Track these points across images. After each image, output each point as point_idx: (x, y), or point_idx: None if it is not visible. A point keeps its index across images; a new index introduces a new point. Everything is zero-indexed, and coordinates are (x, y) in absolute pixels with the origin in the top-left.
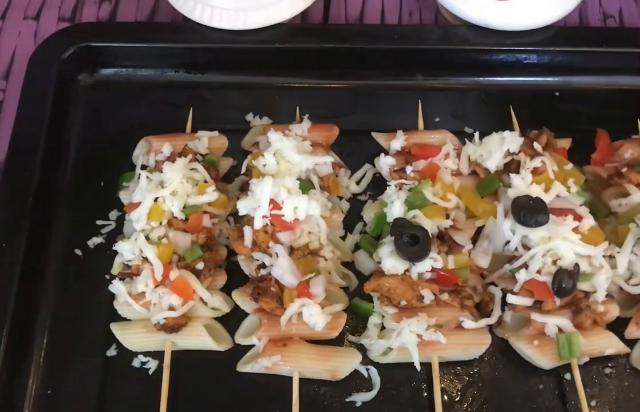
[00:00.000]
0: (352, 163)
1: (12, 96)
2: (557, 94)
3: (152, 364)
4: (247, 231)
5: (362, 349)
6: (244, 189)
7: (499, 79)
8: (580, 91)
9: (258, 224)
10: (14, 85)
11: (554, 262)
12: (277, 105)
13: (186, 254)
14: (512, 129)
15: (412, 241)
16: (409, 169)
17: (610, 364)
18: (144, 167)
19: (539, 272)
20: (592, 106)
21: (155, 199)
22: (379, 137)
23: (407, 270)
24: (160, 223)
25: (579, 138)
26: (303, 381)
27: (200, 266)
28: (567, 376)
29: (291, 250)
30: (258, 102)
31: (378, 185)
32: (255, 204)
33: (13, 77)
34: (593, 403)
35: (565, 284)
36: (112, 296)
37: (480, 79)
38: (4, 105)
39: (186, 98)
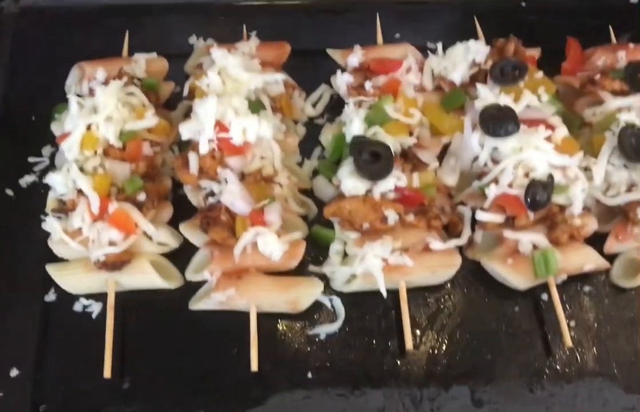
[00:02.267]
0: (306, 84)
1: None
2: (523, 4)
3: (96, 307)
4: (192, 157)
5: (324, 279)
6: (189, 115)
7: None
8: (547, 1)
9: (204, 148)
10: None
11: (526, 175)
12: (222, 26)
13: (125, 185)
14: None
15: (372, 158)
16: (368, 85)
17: (589, 282)
18: (77, 97)
19: (510, 185)
20: (560, 16)
21: (89, 127)
22: (335, 54)
23: (369, 191)
24: (95, 152)
25: (548, 50)
26: (261, 316)
27: (142, 197)
28: (544, 297)
29: (242, 177)
30: (202, 24)
31: (336, 107)
32: (199, 127)
33: None
34: (572, 323)
35: (539, 196)
36: (48, 237)
37: None
38: None
39: (123, 24)
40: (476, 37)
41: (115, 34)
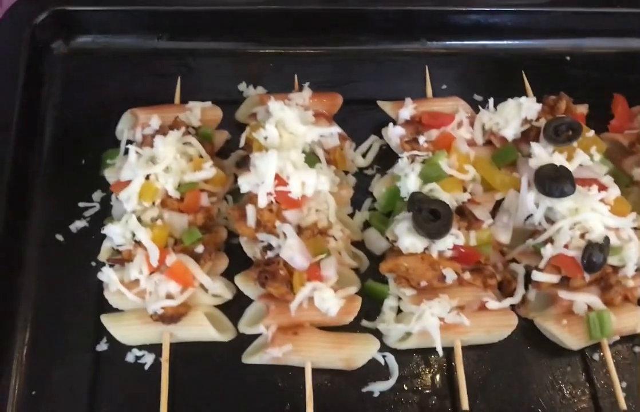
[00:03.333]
0: (355, 135)
1: None
2: (567, 58)
3: (148, 358)
4: (250, 210)
5: (376, 334)
6: (242, 165)
7: (506, 42)
8: (591, 55)
9: (262, 202)
10: None
11: (582, 236)
12: (271, 74)
13: (184, 237)
14: (523, 95)
15: (432, 216)
16: (422, 139)
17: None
18: (129, 142)
19: (566, 246)
20: (605, 71)
21: (147, 177)
22: (386, 106)
23: (427, 248)
24: (153, 203)
25: (593, 104)
26: (314, 370)
27: (199, 249)
28: (595, 356)
29: (299, 230)
30: (251, 71)
31: (385, 158)
32: (258, 180)
33: None
34: (624, 384)
35: (596, 258)
36: (100, 285)
37: (487, 42)
38: None
39: (171, 67)
40: (520, 89)
41: (164, 78)
